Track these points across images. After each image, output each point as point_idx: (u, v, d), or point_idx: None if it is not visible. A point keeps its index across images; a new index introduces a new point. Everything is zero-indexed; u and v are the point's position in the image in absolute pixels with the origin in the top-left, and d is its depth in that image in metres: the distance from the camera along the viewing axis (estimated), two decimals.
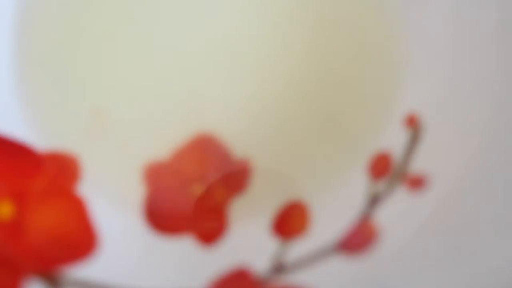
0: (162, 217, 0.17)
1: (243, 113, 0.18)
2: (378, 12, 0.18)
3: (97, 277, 0.15)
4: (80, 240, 0.16)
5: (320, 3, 0.18)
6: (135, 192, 0.18)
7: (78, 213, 0.17)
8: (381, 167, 0.17)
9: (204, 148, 0.18)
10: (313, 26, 0.18)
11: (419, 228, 0.15)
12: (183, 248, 0.16)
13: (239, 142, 0.18)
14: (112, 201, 0.17)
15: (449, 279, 0.14)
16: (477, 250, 0.15)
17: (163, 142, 0.18)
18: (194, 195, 0.17)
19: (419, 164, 0.16)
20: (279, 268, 0.16)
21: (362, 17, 0.18)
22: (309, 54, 0.18)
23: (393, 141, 0.17)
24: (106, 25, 0.19)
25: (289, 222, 0.17)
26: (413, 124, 0.17)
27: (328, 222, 0.16)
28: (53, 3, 0.18)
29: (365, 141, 0.18)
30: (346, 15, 0.18)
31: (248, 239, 0.16)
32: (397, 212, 0.16)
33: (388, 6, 0.18)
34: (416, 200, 0.16)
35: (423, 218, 0.15)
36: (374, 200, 0.16)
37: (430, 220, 0.15)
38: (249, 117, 0.18)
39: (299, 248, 0.16)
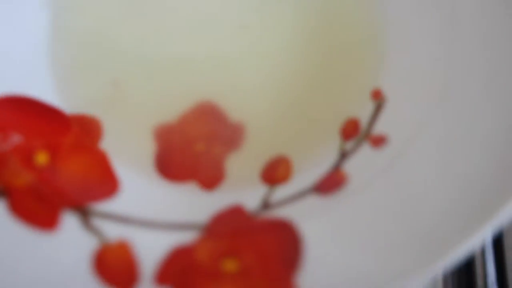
0: (170, 169, 0.21)
1: (240, 84, 0.22)
2: (360, 8, 0.22)
3: (119, 210, 0.19)
4: (103, 183, 0.20)
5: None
6: (147, 148, 0.21)
7: (101, 162, 0.20)
8: (350, 130, 0.21)
9: (206, 113, 0.21)
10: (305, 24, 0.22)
11: (378, 175, 0.19)
12: (188, 190, 0.20)
13: (236, 108, 0.21)
14: (128, 155, 0.21)
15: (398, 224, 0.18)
16: (423, 196, 0.18)
17: (171, 108, 0.22)
18: (197, 151, 0.21)
19: (380, 126, 0.20)
20: (266, 205, 0.19)
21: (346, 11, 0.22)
22: (298, 44, 0.22)
23: (361, 109, 0.21)
24: (126, 12, 0.22)
25: (275, 172, 0.20)
26: (378, 97, 0.21)
27: (307, 172, 0.20)
28: None
29: (339, 110, 0.21)
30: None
31: (242, 185, 0.20)
32: (361, 163, 0.20)
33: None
34: (377, 154, 0.20)
35: (382, 167, 0.19)
36: (343, 155, 0.20)
37: (387, 169, 0.19)
38: (245, 87, 0.22)
39: (283, 190, 0.20)
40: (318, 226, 0.18)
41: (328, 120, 0.21)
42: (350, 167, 0.20)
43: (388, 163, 0.19)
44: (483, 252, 0.37)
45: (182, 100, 0.22)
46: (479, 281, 0.37)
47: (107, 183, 0.20)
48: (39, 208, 0.19)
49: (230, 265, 0.17)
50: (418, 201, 0.18)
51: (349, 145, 0.20)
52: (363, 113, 0.21)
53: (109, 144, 0.21)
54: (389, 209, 0.18)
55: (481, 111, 0.19)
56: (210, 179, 0.20)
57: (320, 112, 0.21)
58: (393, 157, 0.19)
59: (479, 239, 0.17)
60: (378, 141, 0.20)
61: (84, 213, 0.19)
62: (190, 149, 0.21)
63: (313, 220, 0.18)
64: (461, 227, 0.17)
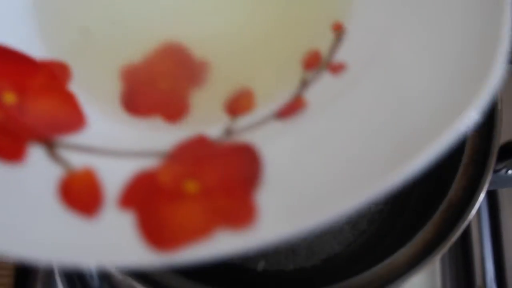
0: (135, 105, 0.21)
1: (202, 22, 0.22)
2: None
3: (85, 142, 0.19)
4: (70, 119, 0.20)
5: None
6: (114, 88, 0.22)
7: (68, 101, 0.21)
8: (311, 61, 0.21)
9: (170, 52, 0.22)
10: None
11: (337, 99, 0.20)
12: (152, 123, 0.21)
13: (199, 46, 0.22)
14: (95, 95, 0.21)
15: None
16: (381, 116, 0.19)
17: (136, 49, 0.22)
18: (161, 89, 0.21)
19: (340, 55, 0.21)
20: (229, 133, 0.20)
21: None
22: None
23: (322, 41, 0.21)
24: None
25: (238, 104, 0.21)
26: (339, 29, 0.22)
27: (269, 101, 0.20)
28: None
29: (301, 43, 0.22)
30: None
31: (205, 117, 0.21)
32: (321, 90, 0.20)
33: None
34: (336, 80, 0.20)
35: (341, 92, 0.20)
36: (304, 84, 0.21)
37: (346, 93, 0.20)
38: (207, 25, 0.22)
39: (245, 119, 0.20)
40: (278, 148, 0.19)
41: (290, 53, 0.22)
42: (310, 94, 0.20)
43: (347, 87, 0.20)
44: (481, 250, 0.38)
45: (147, 41, 0.22)
46: (478, 279, 0.37)
47: (74, 119, 0.20)
48: (5, 142, 0.19)
49: (191, 186, 0.18)
50: (376, 121, 0.19)
51: (309, 74, 0.21)
52: (324, 44, 0.21)
53: (77, 86, 0.21)
54: (347, 130, 0.19)
55: (440, 27, 0.19)
56: (174, 113, 0.21)
57: (282, 45, 0.22)
58: (352, 82, 0.20)
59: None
60: (337, 69, 0.20)
61: (50, 145, 0.19)
62: (155, 87, 0.21)
63: (273, 142, 0.19)
64: (417, 147, 0.17)
